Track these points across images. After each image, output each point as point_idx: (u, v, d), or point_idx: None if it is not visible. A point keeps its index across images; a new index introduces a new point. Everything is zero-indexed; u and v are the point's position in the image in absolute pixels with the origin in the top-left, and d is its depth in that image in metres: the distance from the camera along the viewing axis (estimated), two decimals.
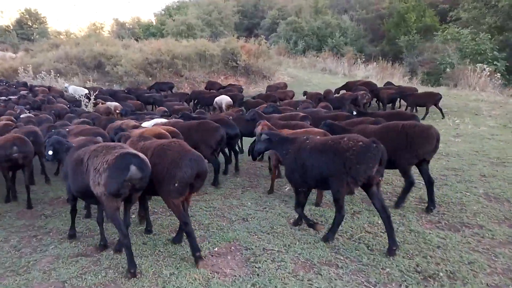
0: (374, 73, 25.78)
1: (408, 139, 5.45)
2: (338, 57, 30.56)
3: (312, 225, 5.12)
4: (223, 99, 19.16)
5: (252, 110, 9.31)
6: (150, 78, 25.28)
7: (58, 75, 26.41)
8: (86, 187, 4.22)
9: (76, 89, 20.48)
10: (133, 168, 3.91)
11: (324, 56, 31.47)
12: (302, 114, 8.90)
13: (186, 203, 4.61)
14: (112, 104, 18.14)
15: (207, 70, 26.33)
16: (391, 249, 4.42)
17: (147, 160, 4.16)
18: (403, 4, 37.95)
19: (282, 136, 5.27)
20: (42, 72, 26.15)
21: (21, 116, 11.96)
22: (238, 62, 25.09)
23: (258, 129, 6.82)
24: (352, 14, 43.71)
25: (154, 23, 58.71)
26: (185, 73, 25.89)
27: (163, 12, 60.33)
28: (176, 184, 4.21)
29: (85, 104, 18.91)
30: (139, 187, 4.13)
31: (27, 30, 60.98)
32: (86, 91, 19.58)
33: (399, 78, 25.24)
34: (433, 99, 13.50)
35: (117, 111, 17.64)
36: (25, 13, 62.01)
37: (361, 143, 4.32)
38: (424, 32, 36.35)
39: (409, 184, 5.75)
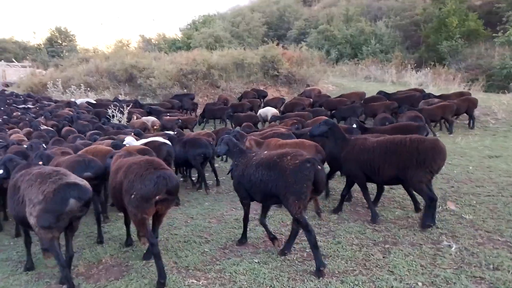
0: (429, 80, 22.63)
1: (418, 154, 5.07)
2: (384, 64, 27.49)
3: (272, 239, 4.95)
4: (269, 111, 16.54)
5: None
6: (185, 90, 22.84)
7: (88, 89, 24.30)
8: (23, 217, 3.94)
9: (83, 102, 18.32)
10: (72, 201, 3.68)
11: (367, 63, 28.45)
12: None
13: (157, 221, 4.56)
14: (150, 119, 15.73)
15: (245, 80, 23.73)
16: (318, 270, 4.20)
17: (86, 185, 3.93)
18: (442, 7, 34.76)
19: (239, 148, 5.25)
20: (72, 86, 24.10)
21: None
22: (279, 70, 22.37)
23: (246, 144, 6.99)
24: (386, 21, 40.68)
25: (179, 37, 57.02)
26: (221, 84, 23.35)
27: (189, 26, 58.67)
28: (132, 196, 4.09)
29: (118, 120, 16.54)
30: (80, 215, 3.96)
31: (57, 47, 60.27)
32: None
33: (458, 84, 22.07)
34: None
35: (155, 126, 15.16)
36: (55, 32, 61.43)
37: (298, 161, 4.22)
38: (467, 37, 33.07)
39: (430, 200, 5.16)
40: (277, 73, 22.74)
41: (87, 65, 26.88)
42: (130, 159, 4.67)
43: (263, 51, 23.53)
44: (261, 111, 16.57)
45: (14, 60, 45.79)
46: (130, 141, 8.58)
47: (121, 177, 4.37)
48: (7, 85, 32.86)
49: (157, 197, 4.06)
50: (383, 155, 5.25)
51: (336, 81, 24.81)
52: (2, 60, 43.97)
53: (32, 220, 3.75)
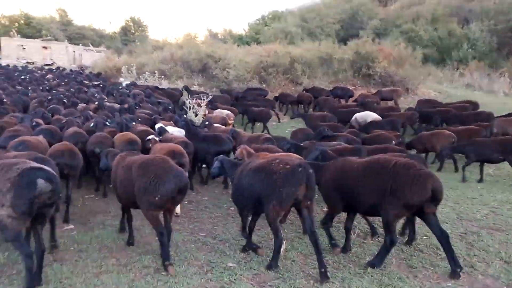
0: None
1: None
2: (495, 70, 22.84)
3: (254, 249, 4.85)
4: (369, 116, 13.21)
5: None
6: (263, 85, 20.00)
7: (162, 76, 22.26)
8: None
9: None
10: (40, 181, 3.48)
11: (471, 68, 23.90)
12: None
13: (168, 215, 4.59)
14: (224, 111, 13.54)
15: (331, 78, 20.43)
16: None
17: (53, 172, 3.80)
18: None
19: (232, 162, 5.25)
20: (146, 72, 22.17)
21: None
22: (376, 69, 18.77)
23: (237, 153, 6.67)
24: (479, 24, 35.26)
25: (245, 33, 54.64)
26: (303, 81, 20.22)
27: (257, 21, 56.18)
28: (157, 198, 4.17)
29: (194, 112, 14.06)
30: (51, 201, 3.67)
31: (130, 36, 60.47)
32: None
33: None
34: None
35: (230, 121, 13.25)
36: (129, 21, 61.71)
37: (288, 166, 4.14)
38: None
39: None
40: (370, 72, 19.17)
41: (161, 53, 24.90)
42: (141, 157, 4.81)
43: (356, 46, 20.04)
44: (358, 115, 13.28)
45: (91, 45, 45.82)
46: (161, 125, 8.85)
47: (134, 175, 4.41)
48: (82, 68, 32.18)
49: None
50: None
51: (436, 87, 20.72)
52: (80, 44, 44.05)
53: (5, 211, 3.43)
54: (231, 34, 61.44)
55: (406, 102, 17.20)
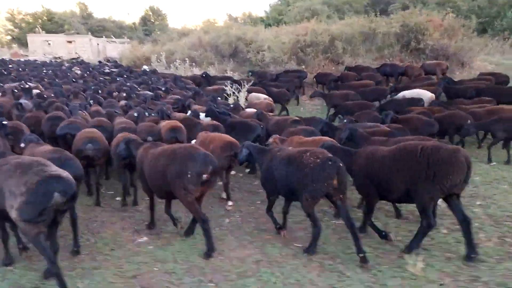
0: None
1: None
2: None
3: (277, 229, 4.88)
4: (425, 95, 11.73)
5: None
6: (302, 66, 18.52)
7: (193, 63, 21.09)
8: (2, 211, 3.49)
9: None
10: (56, 195, 3.29)
11: None
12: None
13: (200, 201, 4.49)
14: (261, 95, 12.81)
15: (375, 54, 18.73)
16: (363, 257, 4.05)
17: (70, 179, 3.52)
18: None
19: (259, 148, 5.10)
20: (177, 60, 21.04)
21: None
22: (427, 42, 16.94)
23: (269, 143, 6.31)
24: None
25: (267, 15, 52.61)
26: (345, 59, 18.59)
27: (279, 2, 54.02)
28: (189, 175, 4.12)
29: (234, 97, 12.92)
30: (65, 208, 3.56)
31: (150, 26, 59.54)
32: None
33: None
34: None
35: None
36: (149, 11, 60.69)
37: (318, 160, 4.05)
38: None
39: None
40: (420, 46, 17.34)
41: (190, 38, 23.66)
42: (169, 146, 4.78)
43: (402, 17, 18.19)
44: (407, 93, 11.70)
45: (113, 37, 45.06)
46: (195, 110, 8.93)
47: (163, 164, 4.36)
48: (108, 60, 31.39)
49: (204, 176, 4.14)
50: None
51: (492, 60, 18.71)
52: (104, 37, 43.33)
53: (13, 214, 3.34)
54: (251, 17, 59.66)
55: (462, 77, 15.43)
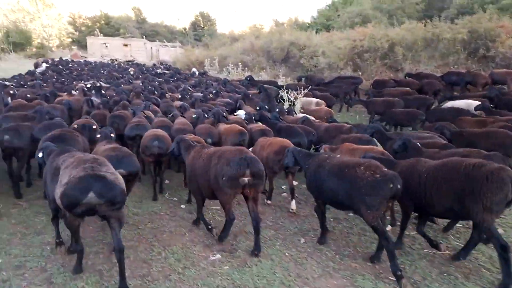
0: None
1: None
2: None
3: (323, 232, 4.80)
4: (470, 105, 10.47)
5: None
6: (359, 73, 17.71)
7: (246, 68, 20.92)
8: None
9: None
10: (91, 194, 3.28)
11: None
12: None
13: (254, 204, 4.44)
14: (314, 100, 12.36)
15: (438, 62, 17.51)
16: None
17: (113, 182, 3.44)
18: None
19: (305, 153, 4.96)
20: (230, 64, 20.97)
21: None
22: (498, 49, 15.54)
23: (322, 150, 6.05)
24: None
25: (314, 20, 51.73)
26: (404, 66, 17.54)
27: (327, 7, 53.02)
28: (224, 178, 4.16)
29: (290, 103, 12.43)
30: (112, 209, 3.45)
31: (199, 31, 60.74)
32: None
33: None
34: None
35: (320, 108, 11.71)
36: (199, 16, 61.91)
37: (377, 175, 3.83)
38: None
39: None
40: (490, 54, 15.94)
41: (242, 43, 23.57)
42: (220, 148, 4.87)
43: (469, 23, 16.86)
44: (456, 103, 10.65)
45: (165, 41, 46.35)
46: (242, 113, 8.72)
47: (212, 164, 4.43)
48: (161, 63, 32.15)
49: (243, 179, 4.15)
50: None
51: None
52: (157, 41, 44.68)
53: (58, 201, 3.44)
54: (297, 22, 59.07)
55: None
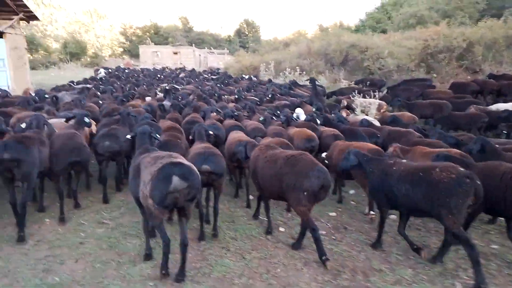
0: None
1: None
2: None
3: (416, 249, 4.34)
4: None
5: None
6: (434, 75, 16.19)
7: (304, 72, 19.99)
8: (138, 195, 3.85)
9: None
10: (175, 178, 3.43)
11: None
12: None
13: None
14: (376, 101, 11.61)
15: None
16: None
17: (192, 167, 3.64)
18: None
19: (368, 156, 4.71)
20: (287, 69, 20.14)
21: None
22: None
23: (389, 152, 5.52)
24: None
25: (362, 23, 49.91)
26: (484, 67, 15.81)
27: (376, 10, 51.07)
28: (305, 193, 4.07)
29: (362, 110, 11.30)
30: (190, 197, 3.57)
31: (243, 38, 60.77)
32: None
33: None
34: None
35: (383, 109, 11.40)
36: (243, 23, 62.02)
37: (453, 175, 3.69)
38: None
39: None
40: None
41: (298, 47, 22.69)
42: (285, 152, 4.68)
43: None
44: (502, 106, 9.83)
45: (212, 48, 46.56)
46: (300, 112, 8.98)
47: (281, 168, 4.32)
48: (211, 69, 32.05)
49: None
50: None
51: None
52: (206, 48, 44.97)
53: (147, 201, 3.58)
54: (342, 26, 57.46)
55: None
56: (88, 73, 28.34)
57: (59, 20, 50.24)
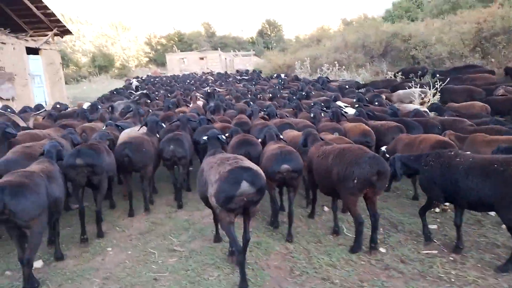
0: None
1: None
2: None
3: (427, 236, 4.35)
4: None
5: None
6: (491, 60, 14.72)
7: (343, 67, 18.85)
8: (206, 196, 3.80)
9: None
10: (244, 183, 3.35)
11: None
12: None
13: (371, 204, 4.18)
14: (415, 91, 10.50)
15: None
16: None
17: (259, 172, 3.57)
18: None
19: (415, 157, 4.48)
20: (325, 64, 19.08)
21: None
22: None
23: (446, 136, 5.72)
24: None
25: (385, 15, 48.00)
26: None
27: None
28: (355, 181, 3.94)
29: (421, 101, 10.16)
30: (255, 201, 3.51)
31: (266, 38, 59.99)
32: None
33: None
34: None
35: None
36: (265, 24, 61.28)
37: None
38: None
39: None
40: None
41: (332, 41, 21.60)
42: (338, 146, 4.58)
43: None
44: None
45: (236, 51, 46.05)
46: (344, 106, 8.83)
47: (331, 163, 4.28)
48: (237, 71, 31.43)
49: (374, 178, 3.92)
50: None
51: None
52: (231, 51, 44.51)
53: (212, 200, 3.56)
54: (367, 19, 55.64)
55: None
56: (118, 84, 28.40)
57: (87, 35, 51.19)
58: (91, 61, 45.19)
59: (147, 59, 56.34)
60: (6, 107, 9.80)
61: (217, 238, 4.56)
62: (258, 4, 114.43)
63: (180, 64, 40.24)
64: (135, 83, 23.60)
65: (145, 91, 13.30)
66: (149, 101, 11.19)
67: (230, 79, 21.29)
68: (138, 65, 53.11)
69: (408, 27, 19.18)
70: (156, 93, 14.51)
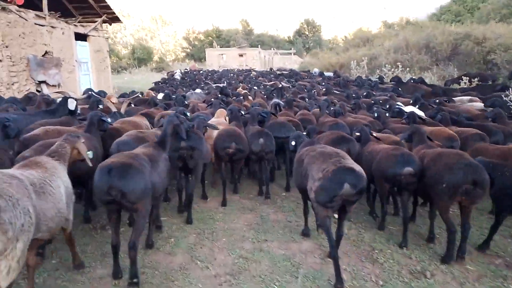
0: None
1: None
2: None
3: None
4: None
5: None
6: None
7: (407, 68, 16.94)
8: (304, 188, 3.85)
9: None
10: (346, 186, 3.32)
11: None
12: None
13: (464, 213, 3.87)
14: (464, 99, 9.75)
15: None
16: None
17: (362, 174, 3.46)
18: None
19: (491, 163, 4.12)
20: (386, 65, 17.22)
21: None
22: None
23: None
24: None
25: (438, 17, 45.08)
26: None
27: (453, 2, 45.99)
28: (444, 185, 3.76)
29: None
30: (354, 200, 3.51)
31: (304, 39, 58.10)
32: None
33: None
34: None
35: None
36: (304, 23, 59.39)
37: None
38: None
39: None
40: None
41: (395, 41, 19.67)
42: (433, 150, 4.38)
43: None
44: None
45: (274, 49, 44.56)
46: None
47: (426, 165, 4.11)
48: (278, 69, 29.88)
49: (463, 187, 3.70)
50: None
51: None
52: (272, 48, 43.07)
53: (311, 195, 3.63)
54: (408, 22, 52.77)
55: None
56: (157, 76, 28.31)
57: (127, 28, 51.04)
58: (131, 53, 44.89)
59: (184, 54, 55.71)
60: (88, 90, 9.56)
61: (306, 232, 4.46)
62: (294, 3, 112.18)
63: (219, 59, 39.12)
64: (178, 73, 22.91)
65: (221, 85, 12.48)
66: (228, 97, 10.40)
67: (271, 76, 20.11)
68: (175, 59, 52.56)
69: (481, 29, 17.00)
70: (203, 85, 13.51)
